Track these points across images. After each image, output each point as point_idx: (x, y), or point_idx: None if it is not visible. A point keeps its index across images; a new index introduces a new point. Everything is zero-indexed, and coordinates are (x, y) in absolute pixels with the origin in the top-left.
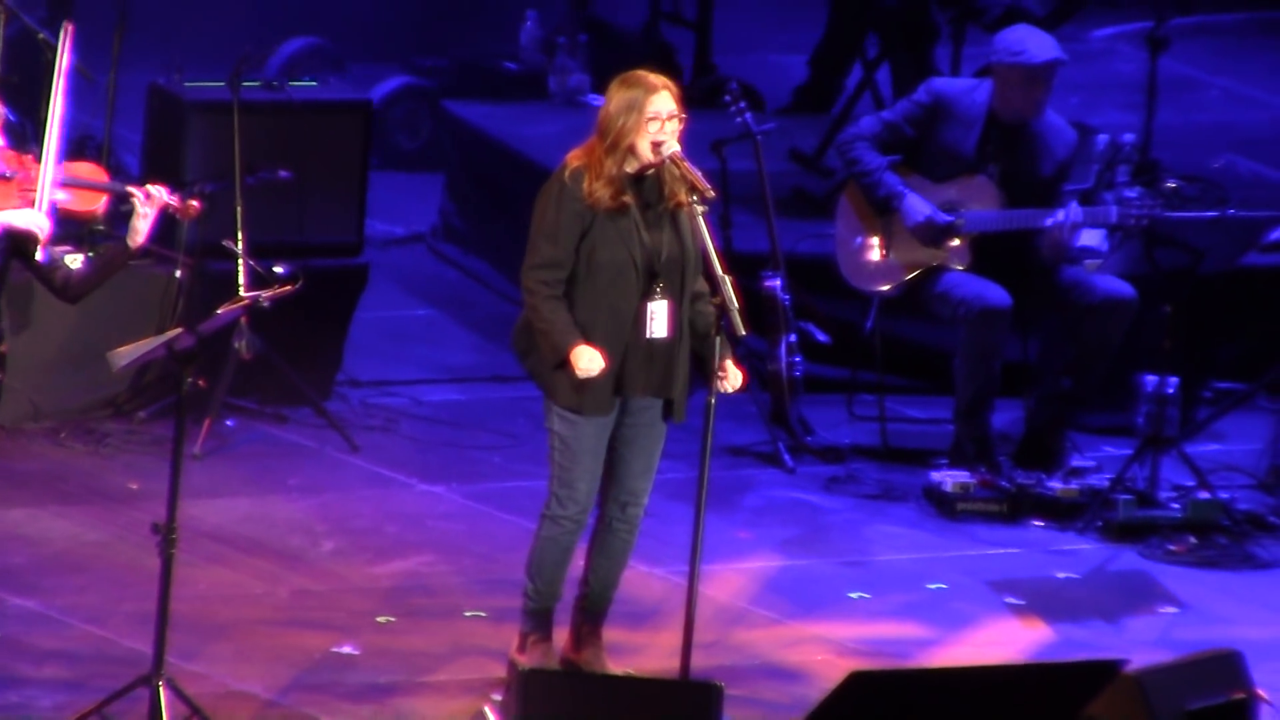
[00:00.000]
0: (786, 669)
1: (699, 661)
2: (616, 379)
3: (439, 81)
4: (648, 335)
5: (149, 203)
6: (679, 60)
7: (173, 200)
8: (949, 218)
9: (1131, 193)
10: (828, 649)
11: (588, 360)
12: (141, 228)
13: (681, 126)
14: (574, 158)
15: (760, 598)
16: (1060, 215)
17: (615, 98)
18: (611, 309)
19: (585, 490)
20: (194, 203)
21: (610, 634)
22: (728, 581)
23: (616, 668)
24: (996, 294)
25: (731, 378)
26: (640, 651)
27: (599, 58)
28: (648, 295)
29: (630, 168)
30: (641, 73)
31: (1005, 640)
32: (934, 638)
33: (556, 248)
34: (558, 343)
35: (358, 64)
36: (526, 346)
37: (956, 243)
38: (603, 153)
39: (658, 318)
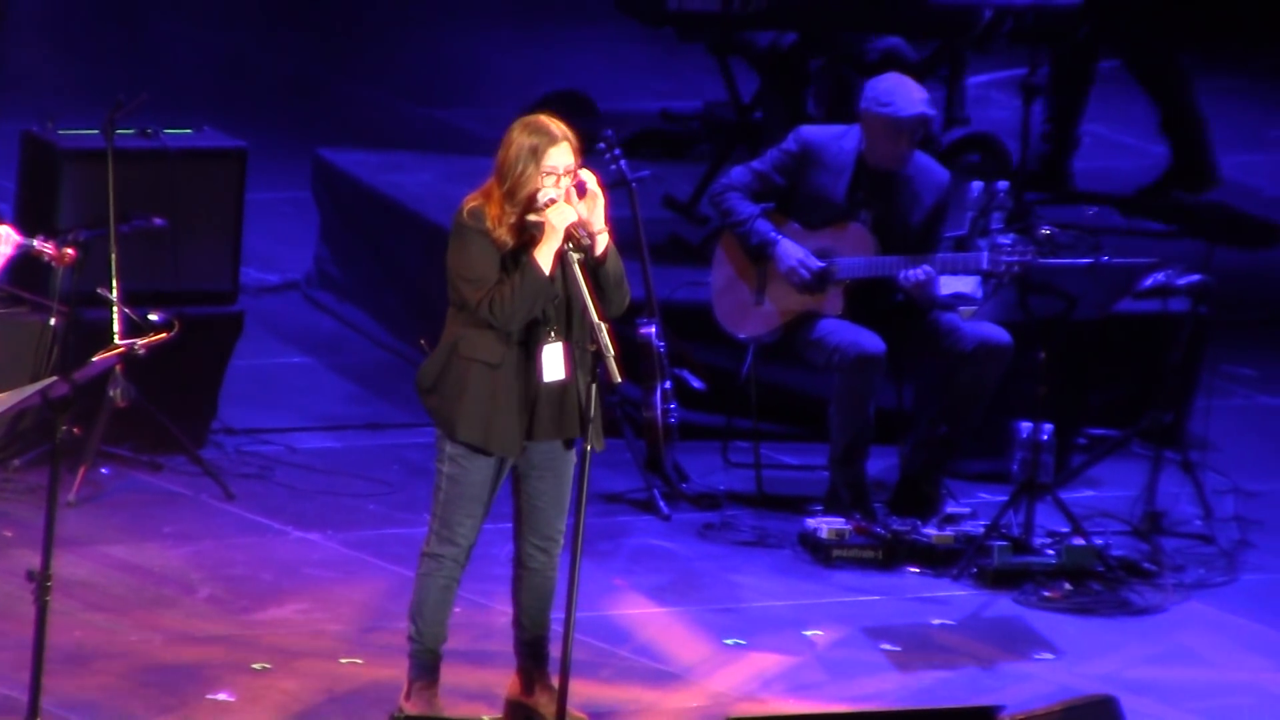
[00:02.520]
0: (662, 715)
1: (575, 709)
2: (528, 421)
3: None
4: (544, 379)
5: (3, 242)
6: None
7: (47, 248)
8: (821, 263)
9: (1005, 239)
10: (703, 695)
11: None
12: None
13: (575, 180)
14: (471, 199)
15: (636, 645)
16: (914, 274)
17: (515, 144)
18: (522, 348)
19: (466, 531)
20: (69, 250)
21: (488, 677)
22: (603, 628)
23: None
24: (871, 341)
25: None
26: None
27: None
28: (543, 339)
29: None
30: (545, 120)
31: (881, 687)
32: (810, 684)
33: (484, 275)
34: (528, 266)
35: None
36: (431, 384)
37: (831, 289)
38: (501, 197)
39: (553, 361)
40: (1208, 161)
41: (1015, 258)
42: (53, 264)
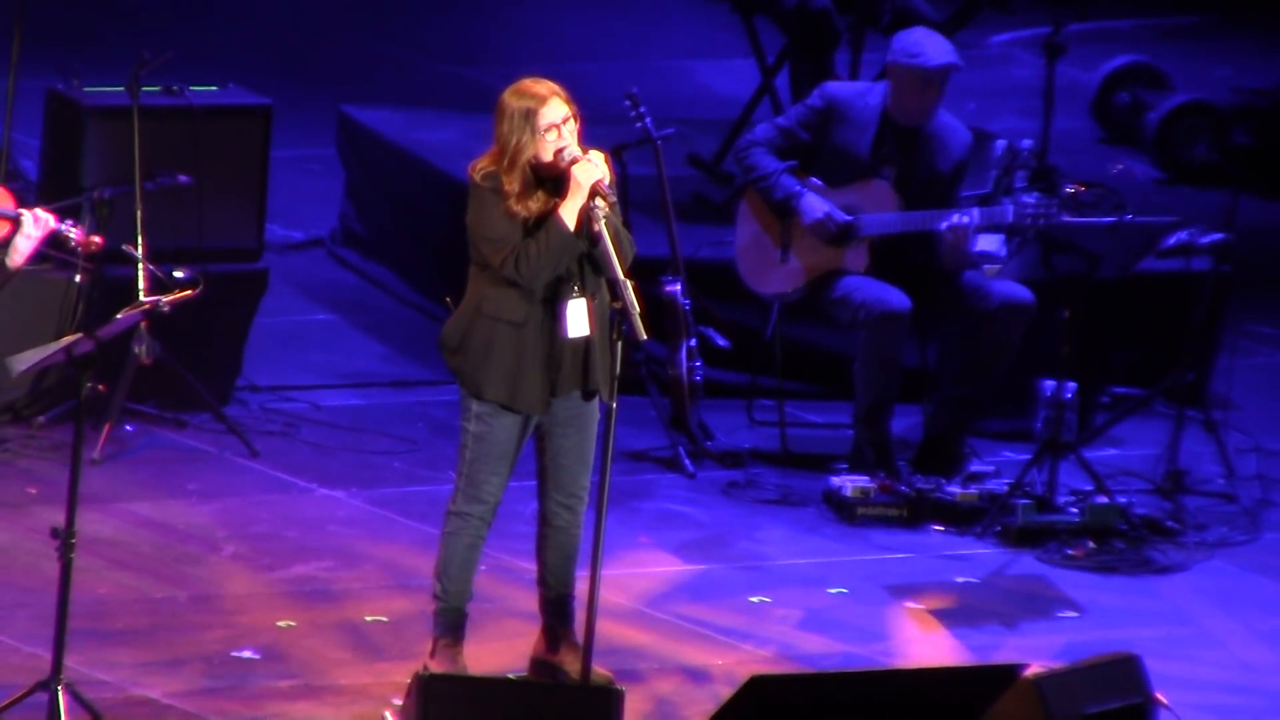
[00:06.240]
0: (687, 673)
1: (600, 666)
2: (552, 378)
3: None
4: (568, 335)
5: (35, 225)
6: None
7: (75, 234)
8: (847, 217)
9: (1029, 198)
10: (728, 653)
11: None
12: (23, 249)
13: (578, 125)
14: (481, 164)
15: (661, 602)
16: (956, 218)
17: (507, 113)
18: (546, 305)
19: (492, 489)
20: (95, 239)
21: (513, 635)
22: (629, 586)
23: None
24: (896, 297)
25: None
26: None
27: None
28: (566, 295)
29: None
30: (528, 83)
31: (904, 645)
32: (834, 642)
33: (505, 235)
34: (553, 223)
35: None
36: (456, 344)
37: (856, 245)
38: (504, 171)
39: (577, 316)
40: None
41: (1040, 209)
42: (79, 250)
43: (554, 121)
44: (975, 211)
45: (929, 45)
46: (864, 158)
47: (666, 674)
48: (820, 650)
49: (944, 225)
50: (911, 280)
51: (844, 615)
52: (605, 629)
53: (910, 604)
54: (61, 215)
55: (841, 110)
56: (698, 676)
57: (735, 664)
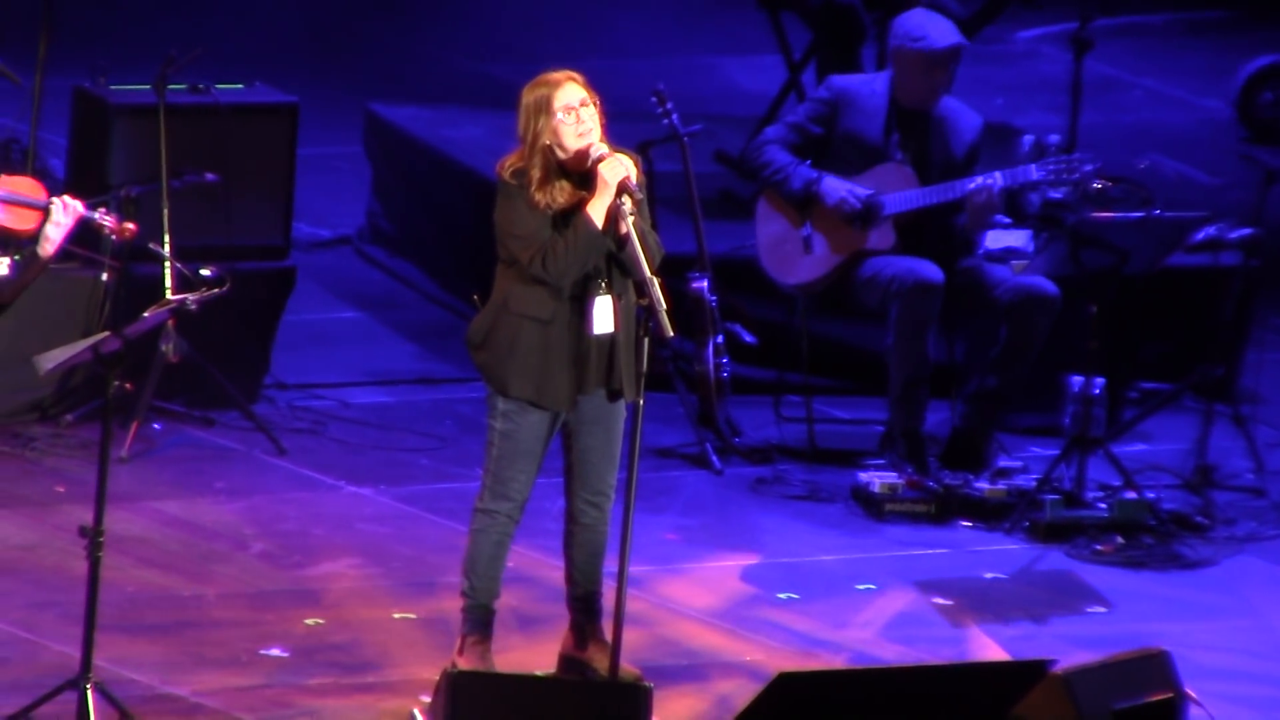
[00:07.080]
0: (715, 670)
1: (628, 663)
2: (578, 375)
3: None
4: (593, 332)
5: (65, 213)
6: None
7: (108, 221)
8: (869, 190)
9: (1056, 194)
10: (756, 650)
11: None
12: (54, 237)
13: (599, 113)
14: (509, 162)
15: (688, 599)
16: (980, 180)
17: (525, 103)
18: (573, 302)
19: (519, 486)
20: (129, 225)
21: (541, 632)
22: (656, 583)
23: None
24: (927, 268)
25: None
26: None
27: None
28: (593, 292)
29: (561, 157)
30: (544, 74)
31: (933, 641)
32: (862, 638)
33: (533, 232)
34: (581, 220)
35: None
36: (481, 340)
37: (880, 223)
38: (526, 161)
39: (603, 314)
40: None
41: (1063, 167)
42: (113, 237)
43: (569, 104)
44: (999, 174)
45: (932, 28)
46: (876, 143)
47: (694, 671)
48: (848, 647)
49: (970, 186)
50: (938, 263)
51: (872, 611)
52: (633, 626)
53: (938, 600)
54: (91, 204)
55: (849, 99)
56: (726, 673)
57: (763, 660)
